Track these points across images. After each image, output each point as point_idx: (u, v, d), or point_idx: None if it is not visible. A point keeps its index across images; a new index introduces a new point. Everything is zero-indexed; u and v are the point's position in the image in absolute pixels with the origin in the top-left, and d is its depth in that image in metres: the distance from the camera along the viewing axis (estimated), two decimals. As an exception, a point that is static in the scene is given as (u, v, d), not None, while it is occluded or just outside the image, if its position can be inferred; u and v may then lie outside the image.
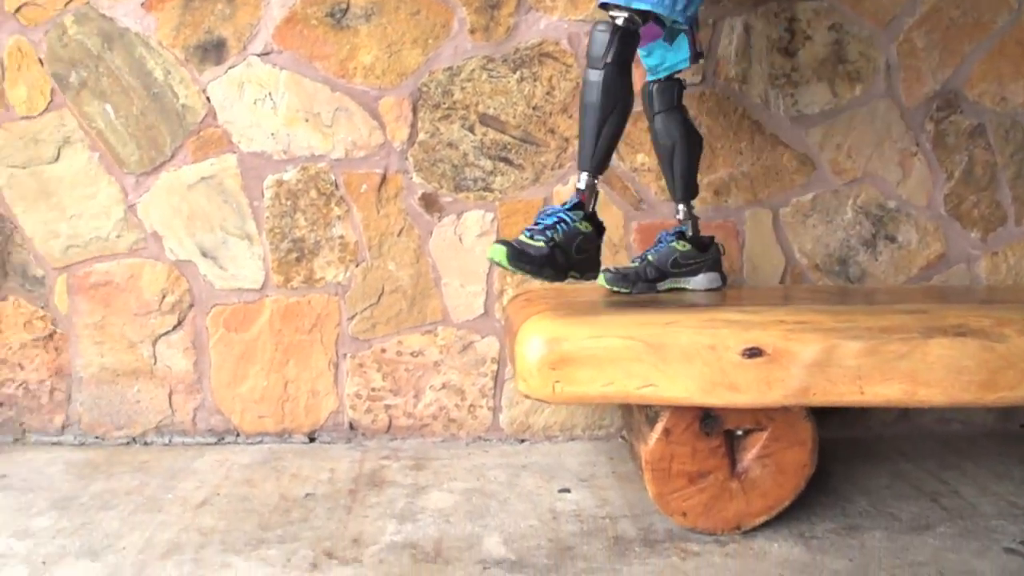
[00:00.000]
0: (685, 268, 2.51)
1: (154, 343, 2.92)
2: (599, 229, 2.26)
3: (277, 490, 2.49)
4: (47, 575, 2.01)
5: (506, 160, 2.78)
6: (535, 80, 2.76)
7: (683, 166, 2.48)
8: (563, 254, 2.13)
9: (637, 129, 2.77)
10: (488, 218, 2.80)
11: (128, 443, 2.96)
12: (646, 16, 2.15)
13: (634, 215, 2.82)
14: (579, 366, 2.05)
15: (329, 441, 2.92)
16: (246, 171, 2.82)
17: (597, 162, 2.21)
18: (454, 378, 2.87)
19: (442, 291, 2.84)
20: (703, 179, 2.77)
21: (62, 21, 2.79)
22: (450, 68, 2.76)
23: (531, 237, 2.13)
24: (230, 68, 2.79)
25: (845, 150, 2.83)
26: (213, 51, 2.79)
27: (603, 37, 2.12)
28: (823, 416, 2.19)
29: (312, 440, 2.93)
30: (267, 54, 2.78)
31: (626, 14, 2.11)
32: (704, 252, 2.54)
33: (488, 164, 2.78)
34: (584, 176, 2.22)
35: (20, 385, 2.97)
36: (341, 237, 2.83)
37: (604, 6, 2.14)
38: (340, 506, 2.37)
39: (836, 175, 2.83)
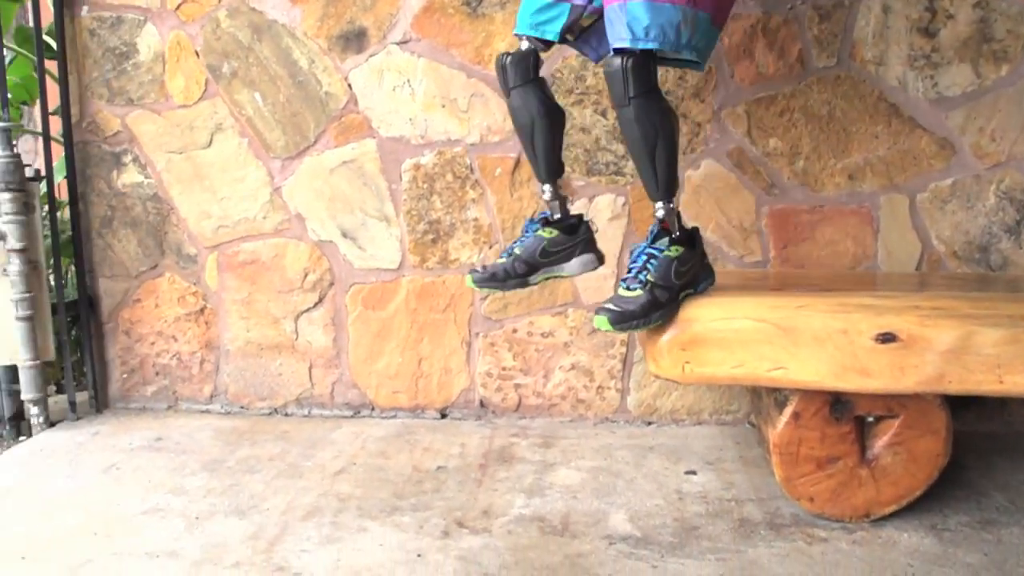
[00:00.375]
0: (556, 255, 2.33)
1: (296, 319, 3.06)
2: (692, 243, 2.20)
3: (410, 462, 2.59)
4: (200, 529, 2.16)
5: (637, 145, 2.80)
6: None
7: (545, 142, 2.29)
8: (664, 289, 2.11)
9: (769, 114, 2.75)
10: (619, 202, 2.83)
11: (270, 413, 3.12)
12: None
13: (765, 199, 2.80)
14: (709, 347, 2.07)
15: (460, 418, 3.01)
16: (385, 155, 2.93)
17: (673, 188, 2.17)
18: (583, 359, 2.91)
19: (572, 273, 2.88)
20: (837, 164, 2.74)
21: (216, 15, 2.95)
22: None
23: (628, 288, 2.13)
24: (371, 56, 2.90)
25: (988, 133, 2.74)
26: (355, 40, 2.90)
27: (616, 77, 2.06)
28: (959, 409, 2.15)
29: (444, 416, 3.02)
30: (406, 42, 2.87)
31: (637, 55, 2.04)
32: (573, 235, 2.34)
33: (620, 148, 2.80)
34: (660, 203, 2.15)
35: (174, 356, 3.17)
36: (475, 219, 2.91)
37: (617, 51, 2.06)
38: (470, 479, 2.45)
39: (978, 159, 2.74)
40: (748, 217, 2.81)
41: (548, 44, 2.28)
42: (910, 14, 2.70)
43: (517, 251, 2.32)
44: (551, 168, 2.33)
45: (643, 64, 2.03)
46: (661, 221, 2.16)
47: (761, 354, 2.04)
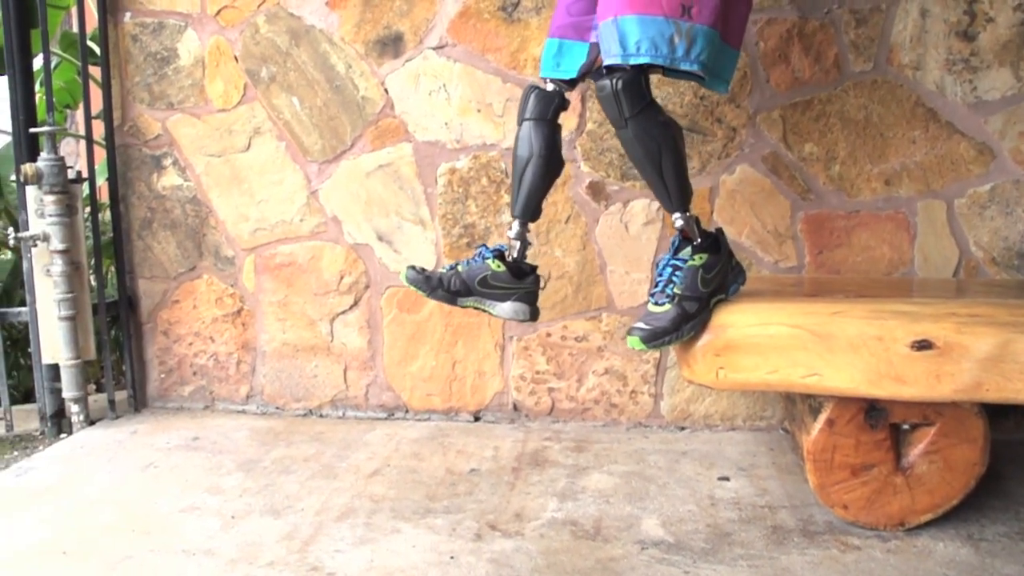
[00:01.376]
0: (493, 290, 2.29)
1: (332, 321, 3.09)
2: (717, 247, 2.20)
3: (443, 464, 2.60)
4: (235, 528, 2.19)
5: (672, 149, 2.80)
6: (702, 70, 2.77)
7: (532, 182, 2.26)
8: (693, 300, 2.12)
9: (805, 118, 2.74)
10: (654, 207, 2.83)
11: (305, 414, 3.15)
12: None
13: (800, 204, 2.79)
14: (743, 353, 2.07)
15: (493, 421, 3.02)
16: (421, 159, 2.95)
17: (687, 197, 2.17)
18: (617, 364, 2.92)
19: (607, 278, 2.89)
20: (873, 169, 2.73)
21: (255, 21, 2.99)
22: (618, 59, 2.79)
23: (656, 303, 2.14)
24: (407, 61, 2.92)
25: (1028, 139, 2.71)
26: (391, 45, 2.92)
27: (609, 101, 2.06)
28: (997, 417, 2.13)
29: (477, 419, 3.04)
30: (442, 47, 2.89)
31: (626, 74, 2.04)
32: (519, 280, 2.30)
33: (654, 153, 2.81)
34: (677, 214, 2.16)
35: (211, 356, 3.21)
36: (510, 223, 2.92)
37: (608, 68, 2.06)
38: (503, 482, 2.46)
39: (1018, 164, 2.71)
40: (783, 222, 2.80)
41: (572, 84, 2.29)
42: (948, 18, 2.68)
43: (460, 269, 2.31)
44: (528, 208, 2.30)
45: (634, 82, 2.04)
46: (681, 231, 2.18)
47: (795, 360, 2.04)
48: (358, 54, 2.95)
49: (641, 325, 2.11)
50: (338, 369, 3.12)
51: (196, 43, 3.05)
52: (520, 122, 2.28)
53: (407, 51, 2.92)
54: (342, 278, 3.06)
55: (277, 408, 3.18)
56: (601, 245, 2.88)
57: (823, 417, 2.10)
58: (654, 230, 2.83)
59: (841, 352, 2.00)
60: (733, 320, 2.10)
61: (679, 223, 2.16)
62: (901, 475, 2.10)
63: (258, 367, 3.18)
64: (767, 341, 2.05)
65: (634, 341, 2.10)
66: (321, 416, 3.14)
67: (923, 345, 1.96)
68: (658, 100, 2.75)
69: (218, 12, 3.01)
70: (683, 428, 2.92)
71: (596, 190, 2.85)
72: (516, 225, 2.31)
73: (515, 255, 2.32)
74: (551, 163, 2.27)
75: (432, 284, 2.28)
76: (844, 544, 2.06)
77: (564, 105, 2.28)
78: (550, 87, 2.28)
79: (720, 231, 2.25)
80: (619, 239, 2.87)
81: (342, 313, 3.08)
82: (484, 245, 2.36)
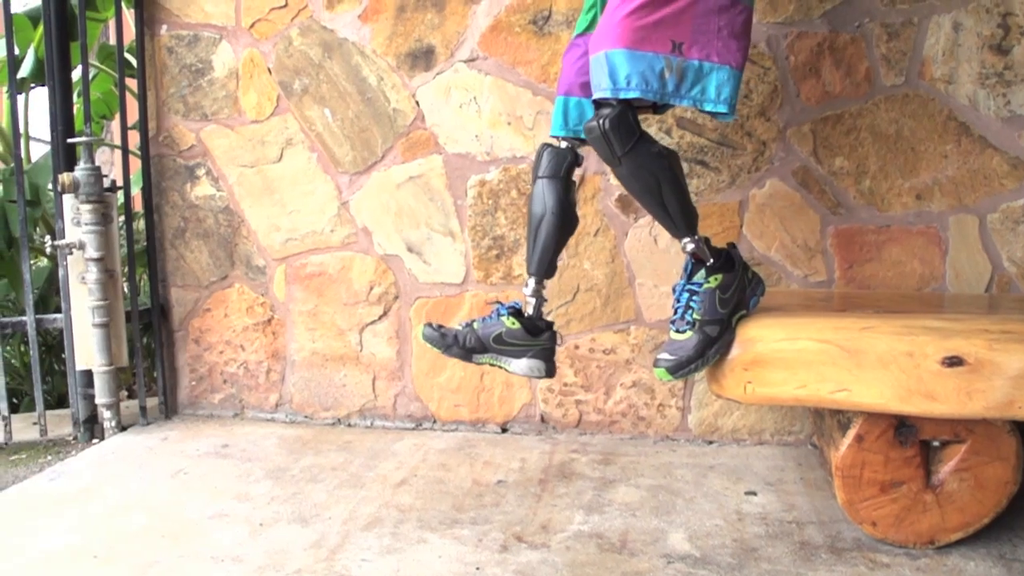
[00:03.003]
0: (508, 347, 2.31)
1: (361, 331, 3.11)
2: (730, 264, 2.18)
3: (470, 475, 2.61)
4: (263, 536, 2.20)
5: (702, 163, 2.80)
6: (733, 83, 2.77)
7: (546, 239, 2.28)
8: (713, 324, 2.12)
9: (835, 132, 2.73)
10: (682, 220, 2.83)
11: (334, 424, 3.17)
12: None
13: (831, 219, 2.77)
14: (772, 368, 2.06)
15: (521, 432, 3.03)
16: (451, 171, 2.97)
17: (693, 222, 2.16)
18: (645, 377, 2.91)
19: (635, 291, 2.89)
20: (905, 183, 2.71)
21: (288, 33, 3.02)
22: (648, 72, 2.79)
23: (678, 331, 2.14)
24: (438, 74, 2.94)
25: (1063, 154, 2.69)
26: (423, 58, 2.95)
27: (599, 141, 2.04)
28: (1030, 433, 2.11)
29: (504, 431, 3.04)
30: (473, 60, 2.91)
31: (613, 110, 2.02)
32: (534, 337, 2.32)
33: (684, 167, 2.80)
34: (686, 239, 2.14)
35: (241, 365, 3.24)
36: (526, 281, 2.89)
37: (595, 103, 2.06)
38: (530, 494, 2.46)
39: (1052, 180, 2.69)
40: (813, 237, 2.79)
41: (583, 140, 2.30)
42: (982, 31, 2.66)
43: (476, 326, 2.33)
44: (543, 266, 2.32)
45: (622, 118, 2.02)
46: (692, 254, 2.16)
47: (824, 375, 2.02)
48: (390, 66, 2.97)
49: (666, 356, 2.13)
50: (367, 379, 3.14)
51: (230, 55, 3.10)
52: (534, 180, 2.31)
53: (438, 64, 2.94)
54: (372, 288, 3.08)
55: (306, 417, 3.21)
56: (630, 258, 2.88)
57: (852, 433, 2.08)
58: (683, 243, 2.83)
59: (871, 368, 1.99)
60: (761, 334, 2.09)
61: (689, 247, 2.15)
62: (931, 492, 2.07)
63: (287, 376, 3.21)
64: (795, 356, 2.04)
65: (661, 373, 2.12)
66: (349, 425, 3.16)
67: (954, 361, 1.94)
68: (687, 114, 2.77)
69: (252, 25, 3.05)
70: (711, 442, 2.91)
71: (625, 203, 2.85)
72: (531, 282, 2.34)
73: (531, 312, 2.35)
74: (565, 220, 2.29)
75: (447, 341, 2.32)
76: (872, 561, 2.04)
77: (577, 162, 2.31)
78: (562, 144, 2.30)
79: (732, 246, 2.24)
80: (648, 252, 2.87)
81: (371, 323, 3.11)
82: (500, 303, 2.39)
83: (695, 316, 2.13)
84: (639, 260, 2.88)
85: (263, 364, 3.23)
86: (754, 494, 2.45)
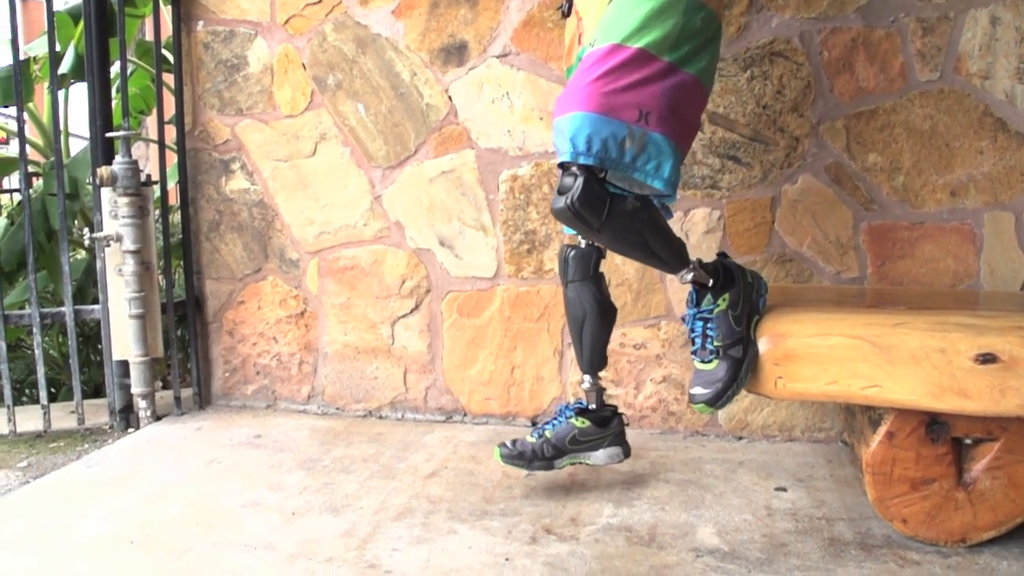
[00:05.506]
0: (585, 444, 2.38)
1: (392, 324, 3.14)
2: (729, 277, 2.17)
3: (500, 468, 2.61)
4: (295, 524, 2.23)
5: (734, 158, 2.80)
6: (765, 79, 2.76)
7: (592, 338, 2.34)
8: (735, 345, 2.12)
9: (869, 128, 2.71)
10: (715, 216, 2.83)
11: (365, 416, 3.20)
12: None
13: (863, 215, 2.76)
14: (803, 363, 2.05)
15: (550, 426, 3.03)
16: (483, 166, 2.98)
17: (683, 257, 2.15)
18: (675, 372, 2.91)
19: (666, 286, 2.89)
20: (939, 180, 2.69)
21: (323, 29, 3.05)
22: (680, 67, 2.79)
23: (703, 361, 2.16)
24: (471, 69, 2.96)
25: (1101, 151, 2.65)
26: (455, 53, 2.96)
27: (572, 221, 2.01)
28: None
29: (535, 424, 3.05)
30: (505, 56, 2.92)
31: (577, 180, 1.96)
32: (605, 427, 2.40)
33: (716, 162, 2.80)
34: (681, 272, 2.13)
35: (274, 357, 3.27)
36: (581, 379, 2.88)
37: (561, 165, 2.01)
38: (559, 487, 2.47)
39: (1089, 177, 2.66)
40: (845, 233, 2.77)
41: None
42: (1020, 25, 2.63)
43: (548, 434, 2.38)
44: (595, 362, 2.39)
45: (589, 190, 1.95)
46: (693, 282, 2.15)
47: (855, 371, 2.02)
48: (423, 62, 2.99)
49: (700, 390, 2.14)
50: (398, 372, 3.16)
51: (265, 51, 3.13)
52: (564, 283, 2.34)
53: (471, 59, 2.95)
54: (404, 282, 3.11)
55: (337, 409, 3.24)
56: (661, 253, 2.88)
57: (883, 430, 2.07)
58: (715, 239, 2.83)
59: (902, 364, 1.98)
60: (793, 330, 2.09)
61: (688, 277, 2.13)
62: (963, 490, 2.06)
63: (320, 368, 3.24)
64: (827, 351, 2.04)
65: (702, 408, 2.15)
66: (380, 418, 3.19)
67: (987, 359, 1.93)
68: (720, 110, 2.77)
69: (287, 21, 3.08)
70: (740, 438, 2.90)
71: (656, 198, 2.85)
72: (587, 379, 2.41)
73: (594, 405, 2.41)
74: (605, 315, 2.34)
75: (527, 457, 2.37)
76: (903, 559, 2.03)
77: (602, 255, 2.32)
78: (583, 243, 2.30)
79: (722, 255, 2.23)
80: (679, 247, 2.86)
81: (403, 316, 3.13)
82: (566, 404, 2.45)
83: (716, 344, 2.14)
84: (670, 255, 2.87)
85: (296, 356, 3.26)
86: (784, 490, 2.45)
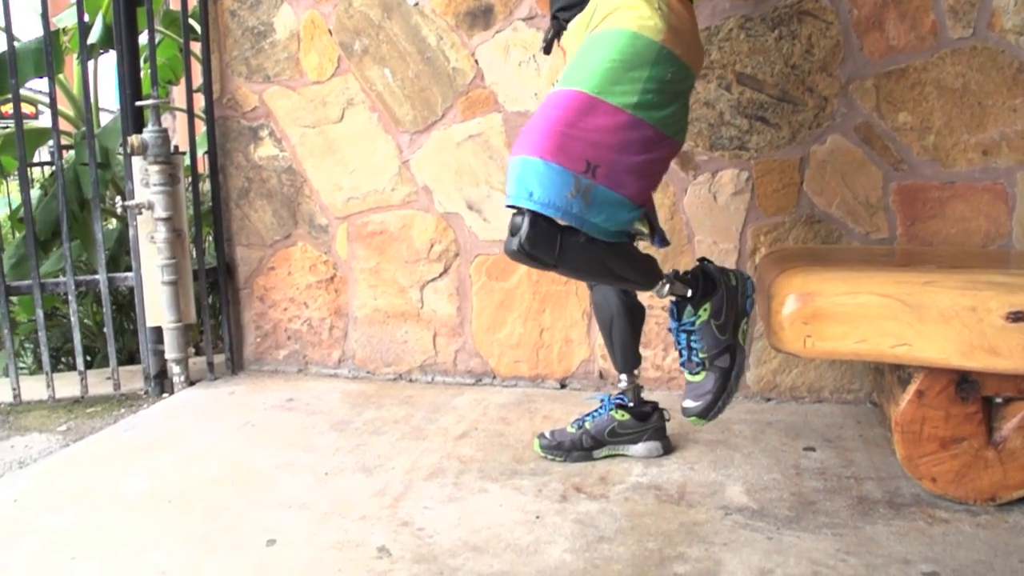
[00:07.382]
0: (623, 437, 2.41)
1: (422, 288, 3.16)
2: (710, 283, 2.16)
3: (530, 429, 2.65)
4: (329, 484, 2.28)
5: (762, 119, 2.78)
6: (793, 38, 2.74)
7: (623, 337, 2.36)
8: (721, 354, 2.14)
9: (899, 87, 2.69)
10: (743, 176, 2.82)
11: (395, 379, 3.23)
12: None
13: (893, 175, 2.74)
14: (832, 322, 2.05)
15: (579, 388, 3.06)
16: (510, 129, 2.98)
17: (654, 274, 2.13)
18: (702, 333, 2.91)
19: (694, 247, 2.88)
20: (971, 139, 2.66)
21: (349, -7, 3.05)
22: (708, 28, 2.77)
23: (692, 374, 2.18)
24: (497, 32, 2.95)
25: None
26: (482, 17, 2.95)
27: (526, 261, 1.96)
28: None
29: (563, 386, 3.08)
30: (531, 18, 2.91)
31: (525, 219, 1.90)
32: (644, 422, 2.42)
33: (744, 123, 2.79)
34: (656, 286, 2.11)
35: (305, 322, 3.31)
36: (618, 377, 2.84)
37: (511, 206, 1.95)
38: (589, 447, 2.50)
39: (1124, 134, 2.62)
40: (875, 193, 2.75)
41: None
42: (1055, -19, 2.59)
43: (587, 425, 2.42)
44: (628, 360, 2.41)
45: (537, 230, 1.90)
46: (671, 295, 2.14)
47: (885, 330, 2.01)
48: (449, 26, 2.99)
49: (691, 403, 2.17)
50: (427, 335, 3.19)
51: (291, 17, 3.13)
52: (590, 287, 2.41)
53: (497, 23, 2.94)
54: (432, 246, 3.12)
55: (368, 372, 3.27)
56: (689, 215, 2.88)
57: (912, 388, 2.07)
58: (743, 200, 2.82)
59: (932, 322, 1.97)
60: (822, 288, 2.08)
61: (665, 291, 2.11)
62: (993, 449, 2.06)
63: (350, 332, 3.27)
64: (856, 310, 2.03)
65: (696, 420, 2.18)
66: (410, 381, 3.22)
67: (1019, 317, 1.92)
68: (747, 70, 2.75)
69: (313, -14, 3.09)
70: (769, 399, 2.91)
71: (684, 160, 2.85)
72: (624, 378, 2.43)
73: (632, 403, 2.43)
74: (633, 315, 2.37)
75: (566, 448, 2.40)
76: (931, 517, 2.04)
77: None
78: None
79: (702, 259, 2.23)
80: (707, 209, 2.86)
81: (432, 280, 3.15)
82: (607, 395, 2.47)
83: (702, 355, 2.15)
84: (698, 217, 2.87)
85: (326, 321, 3.29)
86: (812, 450, 2.46)
